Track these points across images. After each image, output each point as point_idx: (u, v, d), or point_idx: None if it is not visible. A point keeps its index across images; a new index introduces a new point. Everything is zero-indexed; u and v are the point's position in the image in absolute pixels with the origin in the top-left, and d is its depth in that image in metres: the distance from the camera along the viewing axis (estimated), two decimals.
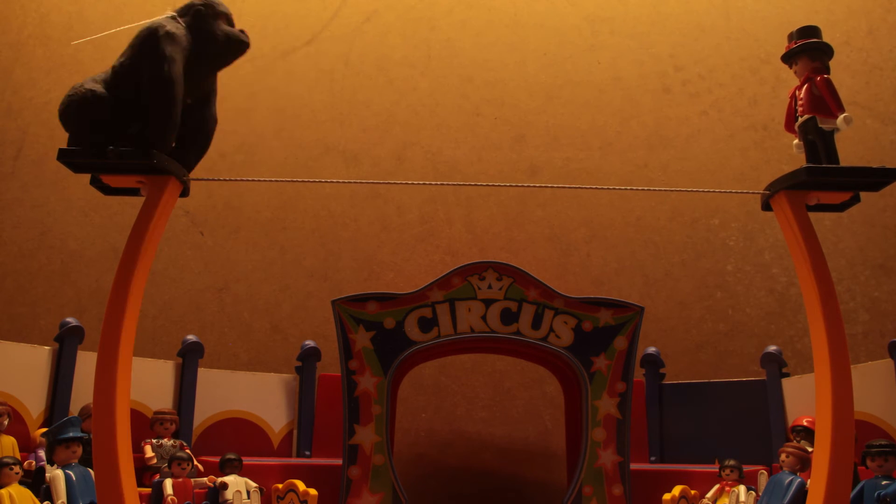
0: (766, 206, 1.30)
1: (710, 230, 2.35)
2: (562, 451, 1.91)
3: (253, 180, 1.22)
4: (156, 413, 1.69)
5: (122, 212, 2.35)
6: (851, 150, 2.30)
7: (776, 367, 1.77)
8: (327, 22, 2.51)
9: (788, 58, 1.28)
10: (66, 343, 1.68)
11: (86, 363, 1.67)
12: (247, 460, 1.59)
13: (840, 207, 1.28)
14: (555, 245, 2.35)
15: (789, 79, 1.30)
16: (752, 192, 1.34)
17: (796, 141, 1.27)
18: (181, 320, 2.29)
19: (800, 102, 1.25)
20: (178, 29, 1.20)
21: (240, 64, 1.29)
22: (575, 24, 2.52)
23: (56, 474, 1.39)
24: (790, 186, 1.22)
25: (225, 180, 1.27)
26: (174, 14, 1.24)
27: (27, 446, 1.57)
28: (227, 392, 1.83)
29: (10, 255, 2.34)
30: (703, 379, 2.00)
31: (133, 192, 1.26)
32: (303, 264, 2.34)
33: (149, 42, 1.17)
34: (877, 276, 2.28)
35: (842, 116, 1.20)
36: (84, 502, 1.37)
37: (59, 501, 1.36)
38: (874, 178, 1.19)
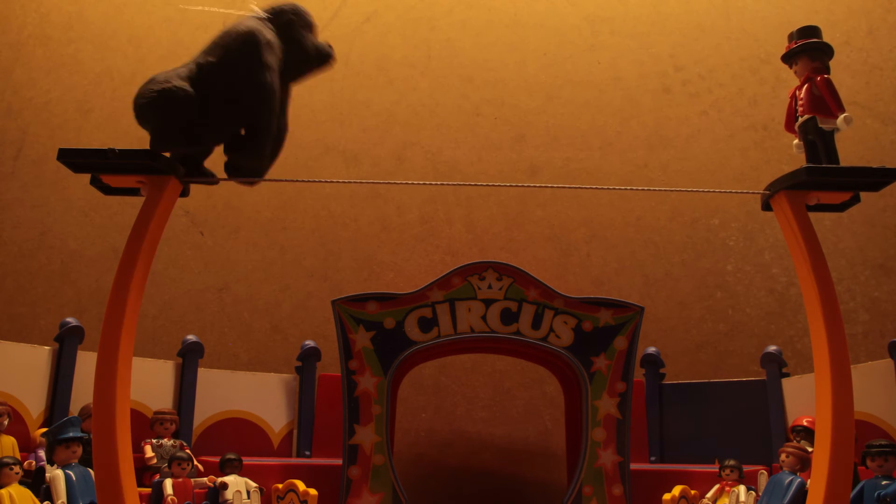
0: (766, 206, 1.30)
1: (710, 230, 2.35)
2: (562, 451, 1.91)
3: (253, 180, 1.22)
4: (156, 413, 1.69)
5: (122, 212, 2.35)
6: (851, 150, 2.30)
7: (776, 367, 1.77)
8: (327, 22, 2.51)
9: (788, 58, 1.28)
10: (66, 343, 1.68)
11: (86, 363, 1.67)
12: (247, 460, 1.59)
13: (840, 207, 1.28)
14: (555, 245, 2.34)
15: (789, 79, 1.30)
16: (752, 192, 1.33)
17: (796, 141, 1.27)
18: (181, 320, 2.29)
19: (800, 102, 1.25)
20: (273, 37, 1.17)
21: None
22: (575, 24, 2.52)
23: (56, 474, 1.39)
24: (790, 186, 1.22)
25: (225, 180, 1.26)
26: (263, 16, 1.20)
27: (27, 446, 1.57)
28: (227, 392, 1.83)
29: (10, 255, 2.34)
30: (703, 379, 2.00)
31: (133, 192, 1.25)
32: (303, 264, 2.34)
33: (248, 48, 1.14)
34: (877, 276, 2.28)
35: (842, 116, 1.20)
36: (84, 502, 1.37)
37: (59, 501, 1.36)
38: (874, 178, 1.19)
